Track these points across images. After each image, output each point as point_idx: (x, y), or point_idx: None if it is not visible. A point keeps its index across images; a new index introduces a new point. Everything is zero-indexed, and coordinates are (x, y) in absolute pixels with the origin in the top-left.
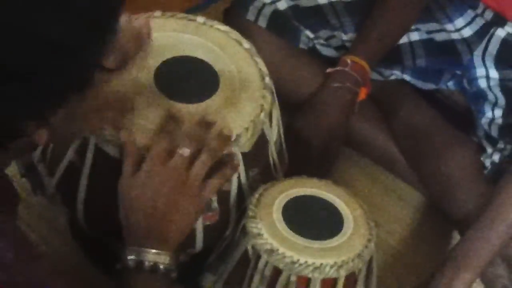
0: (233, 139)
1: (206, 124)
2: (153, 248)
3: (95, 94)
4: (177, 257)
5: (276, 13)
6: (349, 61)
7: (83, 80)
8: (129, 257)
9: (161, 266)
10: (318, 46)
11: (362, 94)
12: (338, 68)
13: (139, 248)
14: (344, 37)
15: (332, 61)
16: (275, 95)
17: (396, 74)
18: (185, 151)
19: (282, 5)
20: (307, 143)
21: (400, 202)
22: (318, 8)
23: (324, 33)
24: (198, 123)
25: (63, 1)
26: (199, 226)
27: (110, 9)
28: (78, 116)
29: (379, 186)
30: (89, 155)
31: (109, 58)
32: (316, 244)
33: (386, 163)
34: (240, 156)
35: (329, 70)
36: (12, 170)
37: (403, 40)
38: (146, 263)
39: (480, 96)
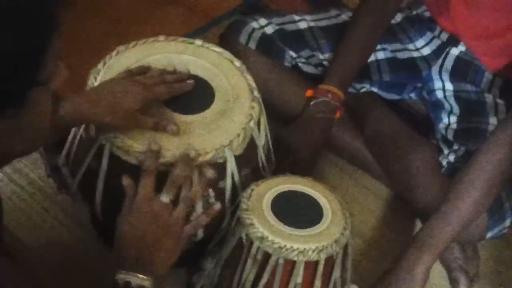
0: (208, 175)
1: (188, 159)
2: (139, 273)
3: None
4: (160, 282)
5: (264, 37)
6: (326, 90)
7: (16, 98)
8: (119, 278)
9: None
10: (300, 64)
11: (338, 114)
12: (320, 99)
13: (128, 272)
14: (321, 56)
15: (311, 76)
16: (262, 106)
17: (366, 87)
18: (165, 199)
19: (269, 30)
20: (295, 154)
21: (372, 195)
22: (299, 32)
23: (305, 53)
24: (183, 159)
25: None
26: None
27: (34, 51)
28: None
29: (353, 183)
30: (105, 159)
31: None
32: (300, 232)
33: (359, 163)
34: (233, 159)
35: (309, 93)
36: (40, 172)
37: (371, 58)
38: (132, 284)
39: (437, 105)
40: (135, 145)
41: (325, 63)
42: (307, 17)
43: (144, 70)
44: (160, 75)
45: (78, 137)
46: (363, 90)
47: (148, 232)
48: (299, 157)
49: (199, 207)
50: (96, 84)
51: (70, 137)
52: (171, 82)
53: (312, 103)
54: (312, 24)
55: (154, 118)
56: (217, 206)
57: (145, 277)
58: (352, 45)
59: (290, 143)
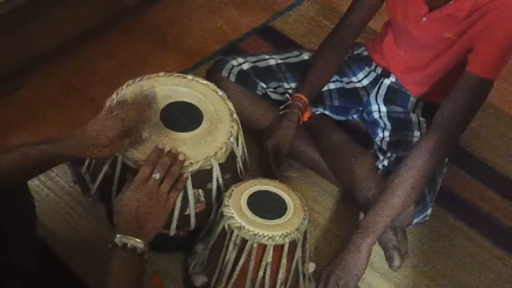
0: (187, 163)
1: (172, 153)
2: (133, 237)
3: None
4: (149, 245)
5: (241, 72)
6: (296, 97)
7: None
8: (117, 240)
9: (138, 250)
10: (269, 93)
11: (305, 116)
12: (289, 102)
13: (125, 236)
14: (287, 86)
15: (278, 102)
16: (240, 125)
17: (320, 110)
18: (157, 176)
19: (245, 66)
20: (272, 150)
21: (325, 193)
22: (269, 68)
23: (273, 84)
24: (167, 152)
25: None
26: (192, 212)
27: None
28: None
29: (311, 183)
30: (118, 168)
31: None
32: (270, 222)
33: (316, 169)
34: (218, 166)
35: (282, 107)
36: (68, 179)
37: (325, 88)
38: (128, 245)
39: (374, 124)
40: (141, 157)
41: (289, 91)
42: (275, 56)
43: (121, 105)
44: (132, 105)
45: None
46: (318, 112)
47: (142, 202)
48: (267, 147)
49: (191, 202)
50: None
51: None
52: (141, 108)
53: (282, 107)
54: (279, 61)
55: (130, 139)
56: (201, 196)
57: (138, 240)
58: (316, 70)
59: (265, 139)
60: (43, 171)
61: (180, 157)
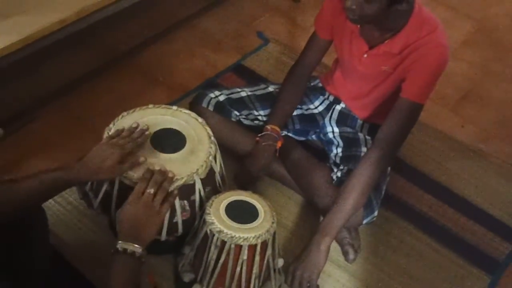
0: (174, 179)
1: (162, 172)
2: (132, 243)
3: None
4: (146, 250)
5: (218, 103)
6: (270, 128)
7: None
8: (119, 246)
9: (136, 254)
10: (241, 119)
11: (279, 144)
12: (265, 132)
13: (125, 242)
14: (256, 113)
15: (249, 127)
16: (217, 146)
17: (284, 132)
18: (151, 190)
19: (221, 98)
20: (255, 174)
21: (291, 201)
22: (241, 99)
23: (244, 112)
24: (158, 171)
25: None
26: (179, 220)
27: None
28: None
29: (279, 193)
30: (116, 186)
31: None
32: (244, 226)
33: (282, 180)
34: (199, 181)
35: (260, 135)
36: (75, 196)
37: None
38: (128, 250)
39: (329, 142)
40: (135, 175)
41: (259, 117)
42: (246, 89)
43: (119, 133)
44: (129, 134)
45: None
46: (283, 134)
47: (139, 214)
48: (253, 172)
49: (178, 212)
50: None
51: None
52: (135, 138)
53: (260, 135)
54: (249, 93)
55: (128, 163)
56: (186, 206)
57: (136, 246)
58: (283, 103)
59: (248, 164)
60: (56, 194)
61: (170, 174)
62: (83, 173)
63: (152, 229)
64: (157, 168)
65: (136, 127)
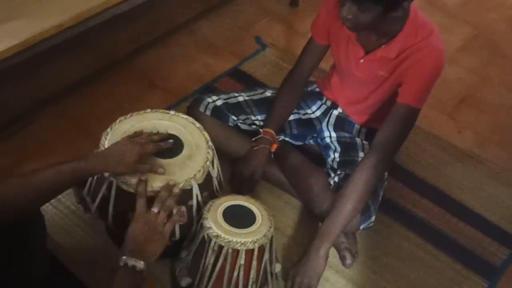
0: (175, 192)
1: (169, 188)
2: (135, 258)
3: None
4: (148, 264)
5: (215, 107)
6: (264, 131)
7: None
8: (122, 261)
9: (137, 268)
10: (239, 124)
11: (274, 147)
12: (260, 136)
13: (128, 257)
14: (253, 118)
15: (246, 132)
16: (215, 151)
17: (282, 137)
18: (155, 210)
19: (219, 103)
20: (247, 176)
21: (288, 206)
22: (238, 103)
23: (242, 116)
24: (164, 187)
25: None
26: (177, 225)
27: None
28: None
29: (276, 198)
30: (113, 191)
31: None
32: (241, 231)
33: (279, 185)
34: (197, 186)
35: (254, 139)
36: (72, 200)
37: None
38: (129, 265)
39: (327, 147)
40: (132, 180)
41: (256, 122)
42: (243, 93)
43: (139, 134)
44: (148, 136)
45: (95, 177)
46: (280, 139)
47: (142, 232)
48: (245, 175)
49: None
50: (106, 141)
51: (90, 178)
52: (156, 141)
53: (254, 139)
54: (246, 98)
55: (148, 165)
56: (183, 209)
57: (138, 261)
58: (279, 107)
59: (242, 170)
60: (71, 186)
61: (175, 190)
62: (102, 164)
63: (156, 247)
64: (156, 175)
65: (156, 133)
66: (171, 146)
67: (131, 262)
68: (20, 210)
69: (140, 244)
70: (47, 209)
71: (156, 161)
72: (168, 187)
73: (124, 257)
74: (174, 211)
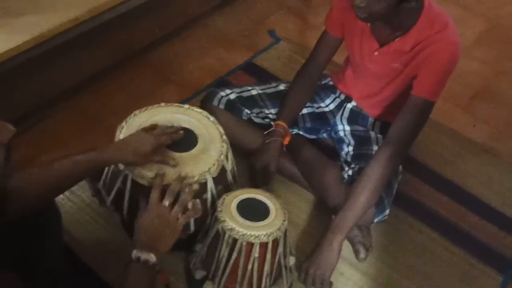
0: (194, 188)
1: (181, 179)
2: (148, 252)
3: None
4: (160, 258)
5: (229, 101)
6: (276, 124)
7: None
8: (134, 254)
9: (150, 263)
10: (252, 117)
11: (286, 140)
12: (272, 129)
13: (140, 251)
14: (267, 111)
15: (260, 125)
16: (229, 145)
17: (295, 130)
18: (167, 203)
19: (232, 96)
20: (260, 171)
21: (302, 199)
22: (252, 97)
23: (255, 110)
24: (176, 178)
25: None
26: (191, 218)
27: None
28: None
29: (290, 191)
30: (129, 183)
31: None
32: (255, 224)
33: (293, 179)
34: (211, 180)
35: (266, 132)
36: (87, 193)
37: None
38: (142, 259)
39: (340, 140)
40: (148, 174)
41: (269, 116)
42: (257, 87)
43: (153, 127)
44: (163, 129)
45: (110, 170)
46: (294, 132)
47: (155, 225)
48: (266, 171)
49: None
50: (121, 135)
51: (105, 170)
52: (170, 133)
53: (267, 132)
54: (260, 91)
55: (160, 156)
56: (198, 202)
57: (150, 254)
58: (292, 100)
59: (253, 160)
60: (87, 176)
61: (194, 187)
62: (118, 155)
63: (167, 241)
64: (171, 169)
65: (171, 127)
66: (183, 136)
67: (143, 256)
68: (37, 200)
69: (151, 237)
70: (63, 202)
71: (170, 154)
72: (180, 179)
73: (135, 250)
74: (189, 206)
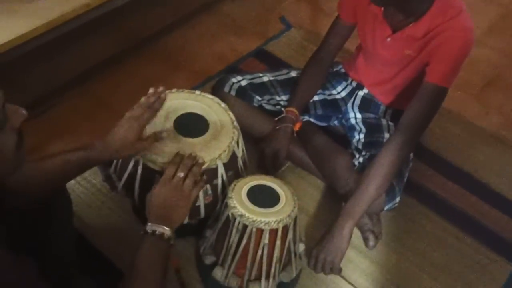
0: (204, 166)
1: (192, 157)
2: (162, 225)
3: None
4: (174, 232)
5: (240, 87)
6: (287, 110)
7: None
8: (148, 228)
9: (165, 236)
10: (263, 104)
11: (297, 127)
12: (283, 115)
13: (155, 224)
14: (278, 98)
15: (271, 112)
16: (240, 131)
17: (306, 117)
18: (181, 174)
19: (243, 83)
20: (270, 157)
21: (312, 186)
22: (263, 84)
23: (266, 97)
24: (188, 155)
25: None
26: (202, 204)
27: None
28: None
29: (300, 178)
30: (140, 168)
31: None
32: (266, 210)
33: (305, 167)
34: (222, 166)
35: (277, 118)
36: (98, 178)
37: (310, 100)
38: (157, 232)
39: (351, 128)
40: (159, 159)
41: (281, 102)
42: (268, 74)
43: (136, 107)
44: (145, 102)
45: None
46: (305, 119)
47: (169, 196)
48: (275, 158)
49: (201, 195)
50: None
51: None
52: (152, 103)
53: (277, 118)
54: (271, 78)
55: (150, 139)
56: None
57: (166, 228)
58: (303, 86)
59: (263, 146)
60: (80, 173)
61: (200, 160)
62: (106, 152)
63: (182, 213)
64: (186, 152)
65: (153, 93)
66: (165, 98)
67: (159, 229)
68: (32, 194)
69: (166, 209)
70: (74, 187)
71: (181, 140)
72: (192, 157)
73: (150, 224)
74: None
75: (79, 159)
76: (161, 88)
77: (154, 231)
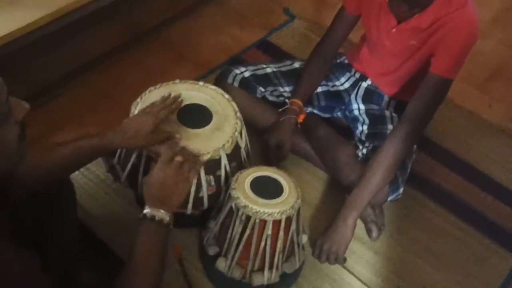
0: (207, 157)
1: (187, 151)
2: (161, 209)
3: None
4: (173, 217)
5: (243, 79)
6: (291, 102)
7: None
8: (147, 213)
9: (164, 221)
10: (266, 95)
11: (300, 118)
12: (287, 106)
13: (154, 208)
14: (281, 90)
15: (274, 104)
16: (243, 122)
17: (310, 109)
18: (180, 158)
19: (246, 74)
20: (274, 148)
21: (315, 177)
22: (266, 75)
23: (270, 88)
24: (182, 149)
25: None
26: (205, 194)
27: None
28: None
29: (304, 170)
30: (143, 159)
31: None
32: (269, 202)
33: (308, 158)
34: (225, 156)
35: (281, 109)
36: (102, 169)
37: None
38: (156, 217)
39: (355, 119)
40: (162, 149)
41: (284, 94)
42: (271, 65)
43: (153, 105)
44: (162, 102)
45: None
46: (308, 111)
47: (167, 179)
48: (279, 149)
49: (204, 186)
50: (136, 111)
51: None
52: (169, 105)
53: (281, 110)
54: (274, 69)
55: (165, 134)
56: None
57: (164, 212)
58: (307, 78)
59: (266, 137)
60: (90, 161)
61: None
62: (118, 140)
63: (180, 195)
64: (183, 140)
65: (169, 96)
66: (181, 103)
67: (159, 214)
68: (37, 185)
69: (163, 192)
70: (77, 178)
71: (185, 131)
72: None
73: (148, 208)
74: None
75: (91, 147)
76: (178, 94)
77: (153, 217)
